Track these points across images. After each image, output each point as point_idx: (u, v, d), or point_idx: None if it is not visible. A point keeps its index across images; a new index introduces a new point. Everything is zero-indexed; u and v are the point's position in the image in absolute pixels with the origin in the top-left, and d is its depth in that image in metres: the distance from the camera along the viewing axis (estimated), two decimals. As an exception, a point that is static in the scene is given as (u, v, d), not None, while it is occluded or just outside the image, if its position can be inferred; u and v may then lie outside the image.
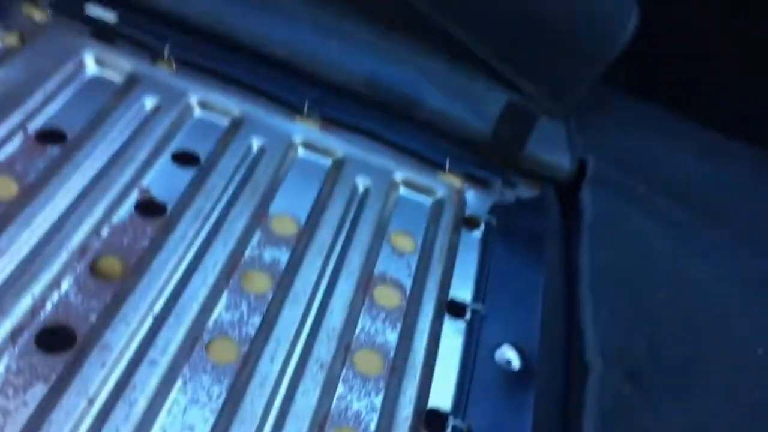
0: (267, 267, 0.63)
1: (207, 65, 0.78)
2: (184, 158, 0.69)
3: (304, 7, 0.86)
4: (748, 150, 1.04)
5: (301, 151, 0.74)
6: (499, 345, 0.64)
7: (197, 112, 0.74)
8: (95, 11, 0.78)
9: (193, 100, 0.74)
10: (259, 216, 0.66)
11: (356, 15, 0.88)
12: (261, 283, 0.61)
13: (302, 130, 0.76)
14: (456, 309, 0.66)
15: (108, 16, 0.78)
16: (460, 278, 0.69)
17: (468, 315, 0.66)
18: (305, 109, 0.78)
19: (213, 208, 0.65)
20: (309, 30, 0.84)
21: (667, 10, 1.05)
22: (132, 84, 0.73)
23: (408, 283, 0.67)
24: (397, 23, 0.88)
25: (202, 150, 0.70)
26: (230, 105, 0.75)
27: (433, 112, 0.83)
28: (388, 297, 0.65)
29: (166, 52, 0.77)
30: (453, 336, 0.64)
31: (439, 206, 0.75)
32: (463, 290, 0.68)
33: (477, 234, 0.75)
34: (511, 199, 0.81)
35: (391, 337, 0.62)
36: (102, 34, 0.77)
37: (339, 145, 0.76)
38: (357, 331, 0.61)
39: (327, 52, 0.83)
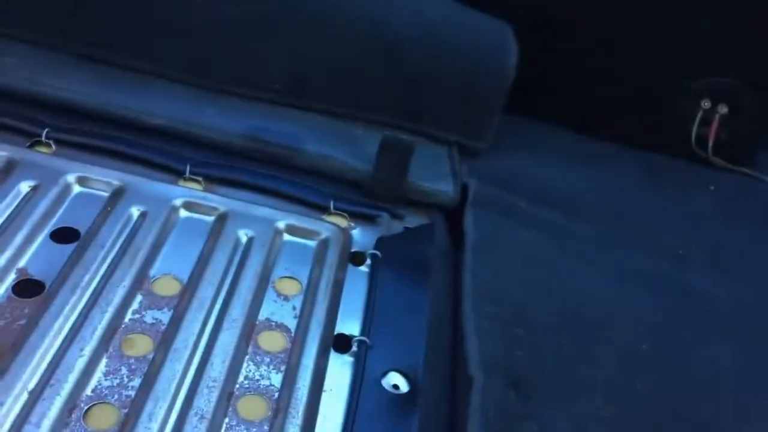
0: (148, 329, 0.64)
1: (86, 142, 0.81)
2: (63, 235, 0.71)
3: (179, 82, 0.89)
4: (638, 158, 1.08)
5: (183, 213, 0.77)
6: (385, 373, 0.66)
7: (76, 188, 0.76)
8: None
9: (72, 177, 0.76)
10: (141, 280, 0.68)
11: (231, 83, 0.91)
12: (142, 345, 0.63)
13: (184, 193, 0.78)
14: (342, 343, 0.68)
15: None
16: (346, 313, 0.71)
17: (354, 347, 0.68)
18: (187, 171, 0.81)
19: (92, 279, 0.66)
20: (185, 99, 0.87)
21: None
22: (9, 170, 0.75)
23: (293, 325, 0.69)
24: (275, 87, 0.92)
25: (82, 224, 0.72)
26: (110, 177, 0.77)
27: (314, 158, 0.86)
28: (272, 341, 0.67)
29: (43, 135, 0.80)
30: (339, 370, 0.66)
31: (323, 246, 0.77)
32: (350, 325, 0.70)
33: (363, 268, 0.77)
34: (398, 231, 0.84)
35: (276, 379, 0.63)
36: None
37: (221, 202, 0.78)
38: (240, 378, 0.63)
39: (205, 116, 0.86)
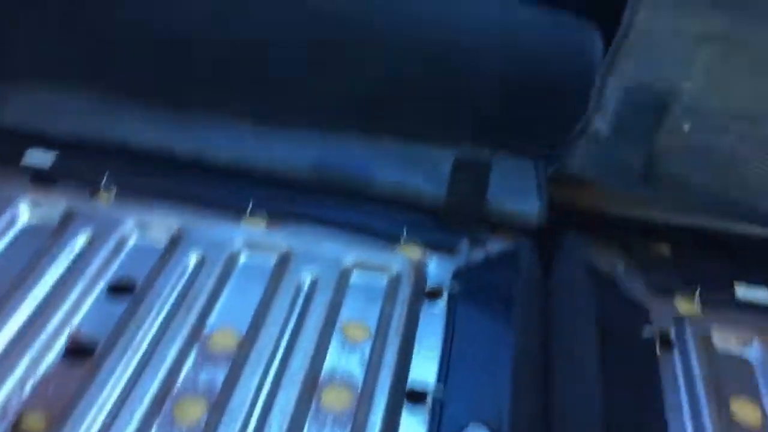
0: (202, 390, 0.59)
1: (147, 186, 0.78)
2: (119, 288, 0.68)
3: (242, 119, 0.84)
4: None
5: (243, 255, 0.72)
6: (464, 426, 0.58)
7: (134, 237, 0.72)
8: (33, 157, 0.79)
9: (130, 225, 0.73)
10: (196, 335, 0.64)
11: (296, 113, 0.85)
12: (194, 409, 0.58)
13: (245, 232, 0.73)
14: (415, 395, 0.61)
15: (45, 159, 0.79)
16: (420, 359, 0.64)
17: (429, 399, 0.60)
18: (249, 209, 0.76)
19: (145, 336, 0.62)
20: (249, 135, 0.82)
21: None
22: (66, 222, 0.72)
23: (360, 376, 0.62)
24: (341, 114, 0.85)
25: (139, 275, 0.68)
26: (169, 221, 0.73)
27: (386, 186, 0.79)
28: (337, 397, 0.60)
29: (103, 183, 0.77)
30: (413, 426, 0.58)
31: (395, 283, 0.70)
32: (424, 371, 0.63)
33: (440, 305, 0.69)
34: (479, 259, 0.75)
35: (340, 443, 0.57)
36: (42, 177, 0.78)
37: (284, 240, 0.73)
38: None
39: (269, 149, 0.81)
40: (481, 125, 0.84)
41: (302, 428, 0.57)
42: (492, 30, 0.85)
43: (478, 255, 0.76)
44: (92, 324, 0.63)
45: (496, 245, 0.77)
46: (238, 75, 0.84)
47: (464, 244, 0.76)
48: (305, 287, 0.69)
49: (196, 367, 0.61)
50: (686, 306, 0.71)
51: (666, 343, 0.67)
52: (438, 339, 0.66)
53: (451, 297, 0.69)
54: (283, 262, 0.71)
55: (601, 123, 0.75)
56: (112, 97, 0.85)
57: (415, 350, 0.64)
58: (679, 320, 0.69)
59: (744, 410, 0.62)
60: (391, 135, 0.84)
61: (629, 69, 0.72)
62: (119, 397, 0.58)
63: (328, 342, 0.65)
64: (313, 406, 0.59)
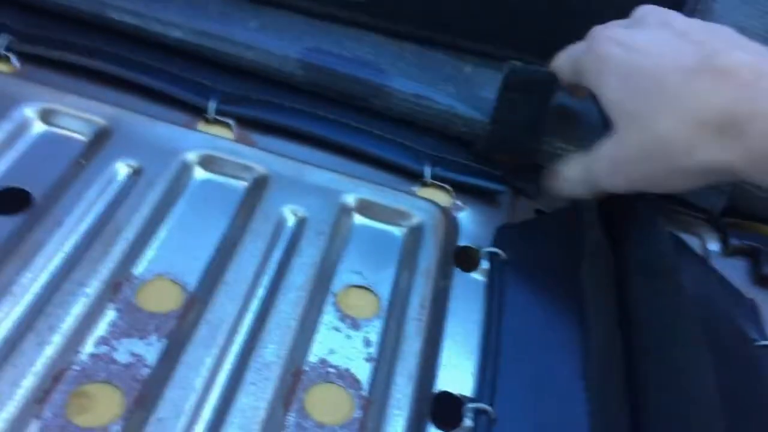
0: (118, 375, 0.37)
1: (63, 59, 0.53)
2: (8, 200, 0.44)
3: None
4: None
5: (199, 173, 0.49)
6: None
7: (38, 126, 0.49)
8: None
9: (32, 109, 0.49)
10: (117, 285, 0.41)
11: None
12: (103, 407, 0.36)
13: (205, 141, 0.50)
14: (447, 412, 0.40)
15: None
16: (453, 355, 0.43)
17: (468, 421, 0.39)
18: (211, 109, 0.53)
19: (31, 282, 0.39)
20: (218, 9, 0.58)
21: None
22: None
23: (366, 374, 0.41)
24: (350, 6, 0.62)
25: (38, 185, 0.45)
26: (92, 111, 0.49)
27: (402, 99, 0.57)
28: (331, 405, 0.39)
29: (2, 47, 0.53)
30: (444, 461, 0.38)
31: (415, 238, 0.49)
32: (458, 376, 0.42)
33: (477, 276, 0.48)
34: (529, 216, 0.55)
35: (334, 480, 0.36)
36: None
37: (261, 158, 0.50)
38: (271, 478, 0.35)
39: (245, 31, 0.57)
40: (532, 39, 0.62)
41: (273, 453, 0.36)
42: None
43: (526, 210, 0.55)
44: (-48, 253, 0.40)
45: (551, 199, 0.56)
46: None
47: (508, 194, 0.55)
48: (288, 229, 0.47)
49: (113, 335, 0.39)
50: (804, 309, 0.52)
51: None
52: (476, 328, 0.45)
53: (494, 265, 0.48)
54: (258, 189, 0.49)
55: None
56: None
57: (445, 344, 0.43)
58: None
59: None
60: (411, 40, 0.62)
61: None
62: (-21, 376, 0.35)
63: (318, 315, 0.43)
64: (293, 414, 0.38)
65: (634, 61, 0.41)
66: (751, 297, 0.51)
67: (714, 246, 0.56)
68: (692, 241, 0.55)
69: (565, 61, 0.49)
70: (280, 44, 0.57)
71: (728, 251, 0.55)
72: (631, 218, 0.55)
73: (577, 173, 0.47)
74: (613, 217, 0.56)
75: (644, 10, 0.45)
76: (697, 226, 0.57)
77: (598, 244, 0.52)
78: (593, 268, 0.48)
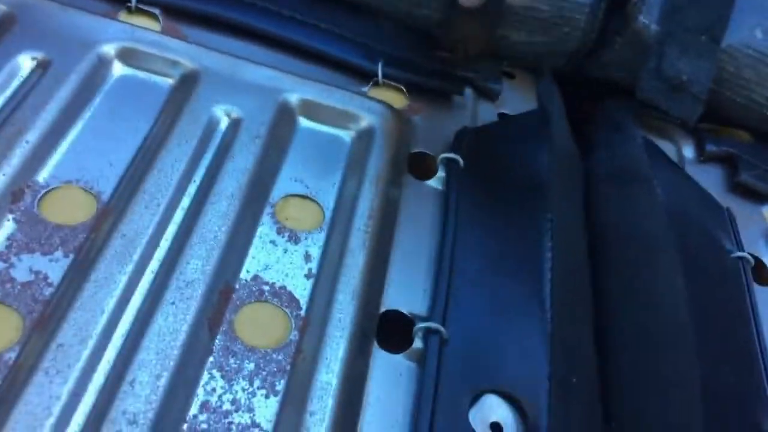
0: (17, 296, 0.32)
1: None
2: None
3: None
4: None
5: (118, 68, 0.43)
6: (477, 396, 0.34)
7: (-74, 13, 0.42)
8: None
9: None
10: (17, 193, 0.36)
11: None
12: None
13: (125, 32, 0.44)
14: (395, 332, 0.36)
15: None
16: (403, 271, 0.39)
17: (418, 342, 0.35)
18: (133, -3, 0.46)
19: None
20: None
21: None
22: None
23: (304, 293, 0.36)
24: None
25: (-75, 79, 0.39)
26: (-8, -2, 0.43)
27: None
28: (263, 326, 0.35)
29: None
30: (390, 384, 0.34)
31: (364, 143, 0.44)
32: (408, 293, 0.38)
33: (432, 185, 0.44)
34: (492, 120, 0.50)
35: (265, 407, 0.32)
36: None
37: (187, 52, 0.44)
38: (194, 407, 0.31)
39: None
40: None
41: (199, 375, 0.32)
42: None
43: (489, 112, 0.50)
44: None
45: (514, 99, 0.51)
46: None
47: (469, 95, 0.50)
48: (220, 131, 0.42)
49: (10, 251, 0.34)
50: (781, 220, 0.49)
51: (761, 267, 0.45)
52: (430, 242, 0.41)
53: (450, 174, 0.44)
54: (186, 87, 0.43)
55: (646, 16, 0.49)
56: None
57: (394, 260, 0.39)
58: (776, 239, 0.47)
59: None
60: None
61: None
62: None
63: (253, 228, 0.38)
64: (221, 337, 0.34)
65: None
66: (727, 205, 0.48)
67: (689, 152, 0.52)
68: (667, 147, 0.51)
69: None
70: None
71: (704, 157, 0.51)
72: (602, 122, 0.51)
73: None
74: (582, 121, 0.51)
75: None
76: (672, 132, 0.53)
77: (565, 149, 0.47)
78: (560, 176, 0.44)
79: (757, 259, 0.46)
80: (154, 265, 0.35)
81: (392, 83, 0.48)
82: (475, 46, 0.48)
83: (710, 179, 0.50)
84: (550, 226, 0.40)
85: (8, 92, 0.39)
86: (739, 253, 0.44)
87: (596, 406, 0.35)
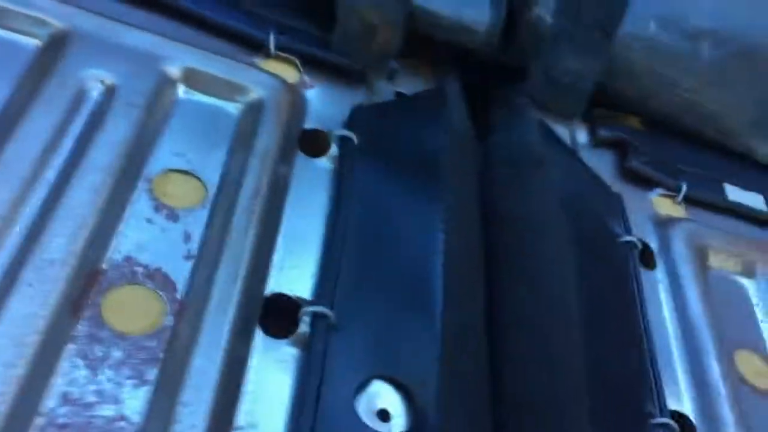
0: None
1: None
2: None
3: None
4: None
5: (-25, 26, 0.39)
6: (364, 384, 0.33)
7: None
8: None
9: None
10: None
11: None
12: None
13: (-15, -13, 0.40)
14: (280, 317, 0.34)
15: None
16: (291, 252, 0.37)
17: (304, 326, 0.34)
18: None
19: None
20: None
21: None
22: None
23: (182, 276, 0.34)
24: None
25: None
26: None
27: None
28: (134, 311, 0.32)
29: None
30: (272, 371, 0.32)
31: (253, 116, 0.41)
32: (296, 276, 0.36)
33: (324, 163, 0.42)
34: (388, 97, 0.48)
35: (134, 398, 0.29)
36: None
37: (58, 11, 0.40)
38: (47, 406, 0.28)
39: None
40: None
41: (59, 365, 0.29)
42: None
43: (384, 91, 0.49)
44: None
45: (410, 80, 0.50)
46: None
47: (367, 70, 0.48)
48: (92, 99, 0.38)
49: None
50: (667, 204, 0.50)
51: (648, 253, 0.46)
52: (319, 222, 0.39)
53: (344, 151, 0.42)
54: (55, 49, 0.39)
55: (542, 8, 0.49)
56: None
57: (281, 240, 0.37)
58: (662, 222, 0.48)
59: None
60: None
61: None
62: None
63: (126, 204, 0.35)
64: (86, 322, 0.31)
65: None
66: (617, 190, 0.48)
67: (583, 137, 0.52)
68: (561, 132, 0.51)
69: None
70: None
71: (596, 142, 0.52)
72: (499, 105, 0.50)
73: None
74: (479, 102, 0.51)
75: None
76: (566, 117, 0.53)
77: (461, 131, 0.47)
78: (454, 157, 0.43)
79: (645, 244, 0.47)
80: (9, 242, 0.31)
81: (285, 55, 0.46)
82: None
83: (602, 164, 0.51)
84: (443, 208, 0.39)
85: None
86: (628, 238, 0.45)
87: (485, 389, 0.35)
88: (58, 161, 0.35)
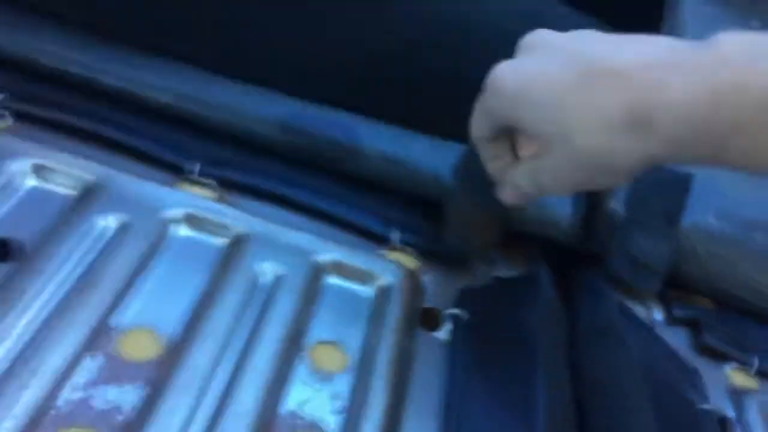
0: (96, 419, 0.39)
1: (56, 118, 0.57)
2: (-3, 249, 0.46)
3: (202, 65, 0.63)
4: None
5: (181, 230, 0.52)
6: None
7: (30, 181, 0.51)
8: None
9: (26, 164, 0.51)
10: (98, 334, 0.43)
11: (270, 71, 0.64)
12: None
13: (187, 200, 0.53)
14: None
15: None
16: (416, 413, 0.45)
17: (429, 471, 0.42)
18: (194, 170, 0.56)
19: (14, 325, 0.41)
20: (198, 75, 0.61)
21: None
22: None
23: (333, 422, 0.43)
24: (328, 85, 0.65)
25: (27, 237, 0.47)
26: (81, 169, 0.52)
27: (375, 163, 0.60)
28: (299, 452, 0.41)
29: (-5, 103, 0.56)
30: None
31: (383, 298, 0.52)
32: (423, 426, 0.44)
33: (441, 335, 0.51)
34: (488, 280, 0.58)
35: None
36: None
37: (238, 218, 0.53)
38: None
39: (224, 96, 0.61)
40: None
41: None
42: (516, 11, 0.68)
43: (487, 273, 0.59)
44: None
45: (503, 264, 0.60)
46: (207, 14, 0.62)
47: (472, 258, 0.58)
48: (266, 286, 0.50)
49: (92, 382, 0.41)
50: (741, 377, 0.56)
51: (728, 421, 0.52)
52: (437, 382, 0.48)
53: (456, 326, 0.52)
54: (236, 246, 0.51)
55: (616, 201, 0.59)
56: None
57: (409, 398, 0.46)
58: (737, 394, 0.54)
59: None
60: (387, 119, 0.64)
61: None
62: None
63: (291, 369, 0.46)
64: (264, 462, 0.40)
65: (528, 82, 0.39)
66: (693, 364, 0.55)
67: (659, 315, 0.60)
68: (638, 310, 0.59)
69: (478, 116, 0.44)
70: (259, 108, 0.60)
71: (672, 320, 0.59)
72: (582, 286, 0.59)
73: (524, 183, 0.44)
74: (566, 285, 0.60)
75: (528, 37, 0.42)
76: (644, 297, 0.61)
77: (553, 306, 0.55)
78: (548, 328, 0.52)
79: (722, 414, 0.53)
80: (209, 400, 0.42)
81: (405, 247, 0.57)
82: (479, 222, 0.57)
83: (678, 340, 0.58)
84: (541, 376, 0.47)
85: (93, 249, 0.47)
86: (706, 406, 0.51)
87: None
88: (241, 334, 0.46)
